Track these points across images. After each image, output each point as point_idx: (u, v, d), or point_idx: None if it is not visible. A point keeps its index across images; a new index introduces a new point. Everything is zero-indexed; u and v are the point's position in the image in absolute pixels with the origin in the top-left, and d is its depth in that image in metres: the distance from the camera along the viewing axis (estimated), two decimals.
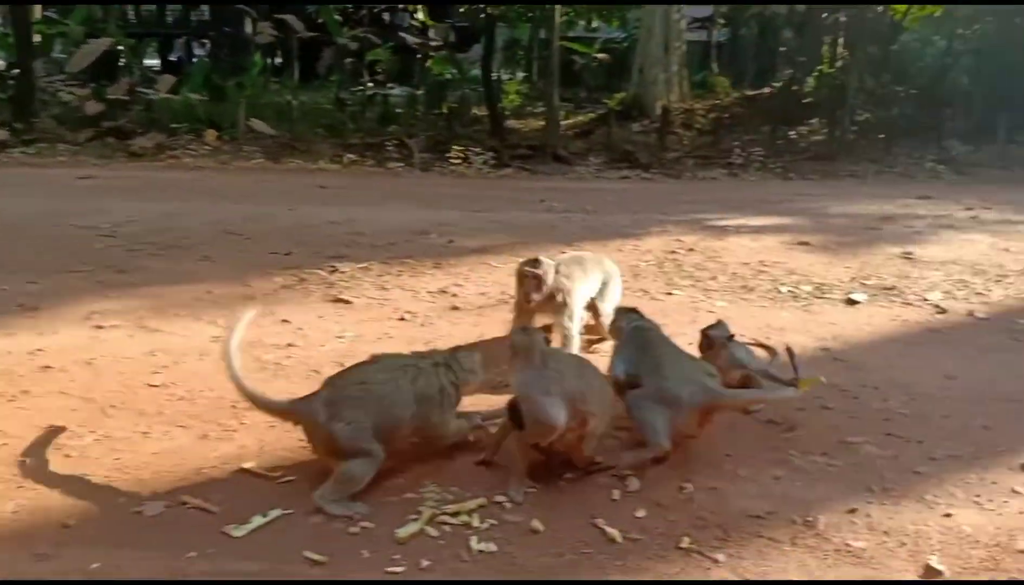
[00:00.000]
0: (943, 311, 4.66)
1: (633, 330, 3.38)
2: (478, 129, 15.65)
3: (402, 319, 4.48)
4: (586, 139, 15.84)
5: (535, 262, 3.80)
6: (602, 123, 15.54)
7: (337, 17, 16.45)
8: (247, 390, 2.93)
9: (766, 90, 20.09)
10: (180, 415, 3.42)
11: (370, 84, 17.84)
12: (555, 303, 3.84)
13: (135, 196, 8.06)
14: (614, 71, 22.97)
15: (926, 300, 4.86)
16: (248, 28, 19.80)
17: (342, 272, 5.28)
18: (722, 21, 23.85)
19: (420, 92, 19.18)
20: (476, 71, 19.51)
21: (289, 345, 4.11)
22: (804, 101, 17.23)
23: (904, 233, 6.61)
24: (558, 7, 13.92)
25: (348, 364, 3.85)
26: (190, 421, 3.37)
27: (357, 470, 2.74)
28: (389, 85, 19.47)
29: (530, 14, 23.04)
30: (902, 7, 16.54)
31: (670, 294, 4.99)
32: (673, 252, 5.96)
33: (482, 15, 17.22)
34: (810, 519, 2.64)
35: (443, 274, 5.29)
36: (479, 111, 16.80)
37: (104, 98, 15.00)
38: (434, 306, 4.69)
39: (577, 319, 3.90)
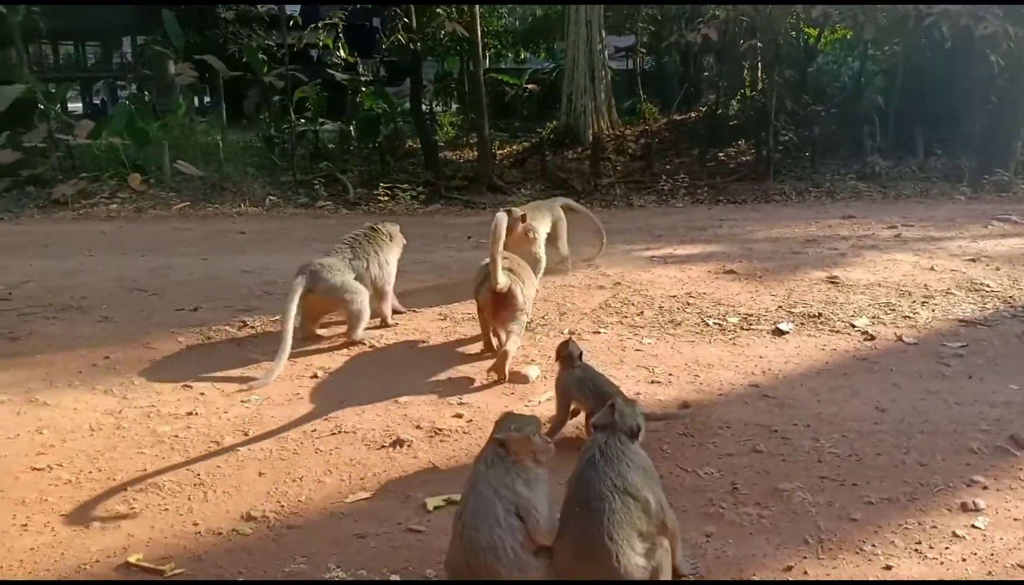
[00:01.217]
0: (871, 337, 4.59)
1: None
2: (413, 162, 15.50)
3: (315, 377, 4.22)
4: (521, 168, 15.80)
5: (512, 211, 5.35)
6: (536, 152, 15.58)
7: (262, 56, 16.12)
8: None
9: (692, 115, 20.47)
10: (64, 502, 3.12)
11: (300, 121, 17.56)
12: (528, 239, 5.63)
13: (38, 252, 7.61)
14: (545, 101, 23.16)
15: (853, 326, 4.78)
16: (171, 69, 19.33)
17: (252, 327, 4.98)
18: (643, 50, 24.33)
19: (352, 127, 18.99)
20: (408, 105, 19.48)
21: (189, 414, 3.81)
22: (730, 124, 17.57)
23: (828, 256, 6.59)
24: (481, 41, 13.89)
25: (253, 433, 3.60)
26: (75, 509, 3.07)
27: None
28: (320, 121, 19.25)
29: (457, 48, 23.08)
30: (814, 30, 17.01)
31: (597, 332, 4.82)
32: (600, 287, 5.82)
33: (408, 49, 17.15)
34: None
35: (373, 322, 5.03)
36: (414, 144, 16.68)
37: (20, 146, 14.38)
38: (351, 360, 4.43)
39: (542, 247, 5.82)
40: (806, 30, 16.87)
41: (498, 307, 4.24)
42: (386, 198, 11.20)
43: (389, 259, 5.07)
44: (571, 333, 4.78)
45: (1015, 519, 2.84)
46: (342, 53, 19.77)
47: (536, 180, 13.98)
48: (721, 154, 15.72)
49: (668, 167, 15.13)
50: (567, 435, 3.45)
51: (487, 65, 30.13)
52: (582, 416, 3.46)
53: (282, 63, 17.28)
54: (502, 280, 4.13)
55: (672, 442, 3.45)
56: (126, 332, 4.98)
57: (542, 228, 5.93)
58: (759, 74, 18.63)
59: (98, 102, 34.85)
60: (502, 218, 4.21)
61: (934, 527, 2.79)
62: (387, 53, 22.57)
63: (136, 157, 14.65)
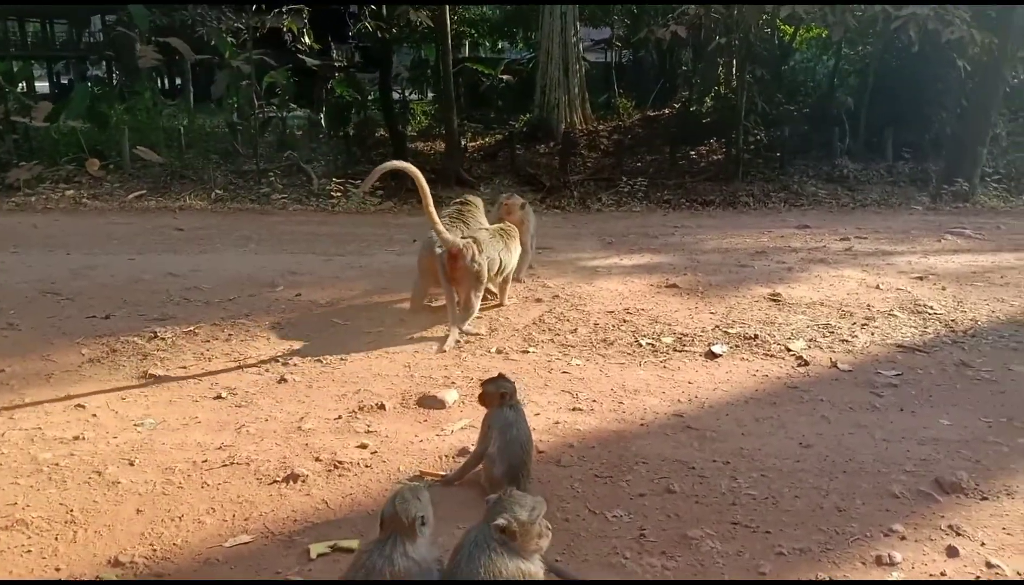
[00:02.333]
0: (805, 363, 4.43)
1: None
2: (382, 152, 15.20)
3: (219, 397, 3.97)
4: (492, 162, 15.58)
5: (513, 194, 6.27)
6: (507, 145, 15.34)
7: (230, 39, 15.73)
8: None
9: (666, 111, 20.32)
10: None
11: (269, 107, 17.19)
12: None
13: None
14: (522, 91, 22.88)
15: (789, 350, 4.63)
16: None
17: (162, 339, 4.72)
18: (619, 44, 24.17)
19: (321, 115, 18.65)
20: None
21: (75, 438, 3.56)
22: (703, 122, 17.41)
23: (775, 271, 6.44)
24: (451, 31, 13.64)
25: (139, 462, 3.36)
26: None
27: None
28: (292, 107, 18.93)
29: (431, 36, 22.79)
30: (790, 28, 16.90)
31: (526, 352, 4.62)
32: (538, 300, 5.62)
33: (379, 36, 16.88)
34: None
35: (279, 337, 4.79)
36: (385, 133, 16.40)
37: None
38: (259, 379, 4.19)
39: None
40: (782, 27, 16.74)
41: (452, 268, 4.83)
42: (339, 194, 10.92)
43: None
44: (499, 352, 4.58)
45: (930, 575, 2.69)
46: (307, 40, 19.43)
47: (505, 175, 13.80)
48: (693, 152, 15.62)
49: (639, 165, 15.02)
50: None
51: (464, 54, 29.90)
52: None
53: (249, 47, 16.98)
54: (448, 239, 4.78)
55: (584, 480, 3.26)
56: (28, 342, 4.70)
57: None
58: (733, 72, 18.55)
59: (65, 82, 34.05)
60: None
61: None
62: (360, 39, 22.31)
63: (97, 141, 14.25)
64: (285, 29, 18.23)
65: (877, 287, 5.91)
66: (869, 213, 9.48)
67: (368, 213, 9.87)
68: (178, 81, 26.67)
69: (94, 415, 3.78)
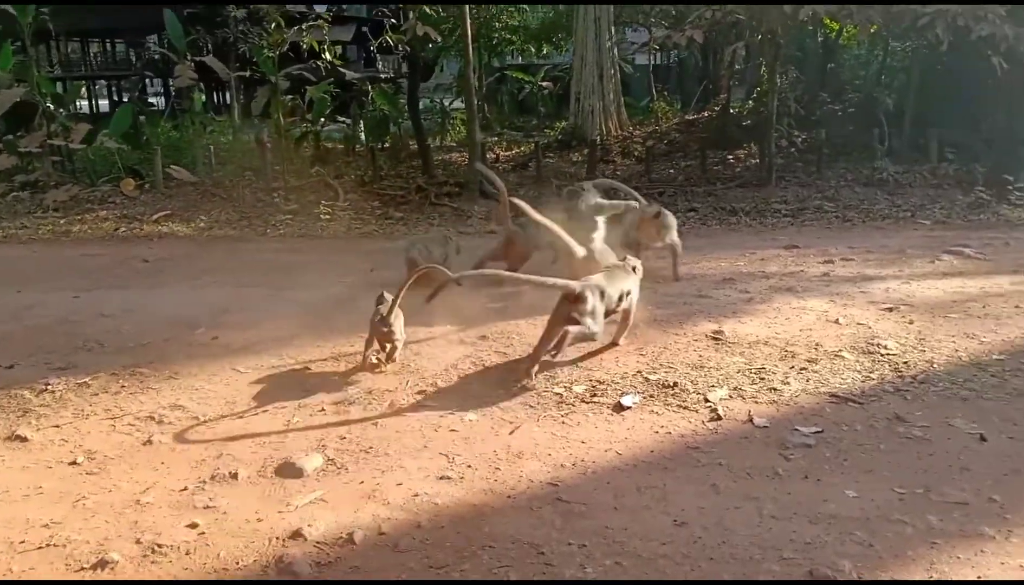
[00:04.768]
0: (718, 417, 4.03)
1: None
2: (414, 164, 15.07)
3: (74, 463, 3.77)
4: (523, 171, 15.30)
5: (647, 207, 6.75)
6: (537, 155, 15.07)
7: (271, 55, 15.91)
8: None
9: (706, 114, 19.78)
10: None
11: (305, 122, 17.32)
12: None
13: None
14: (564, 98, 22.61)
15: (707, 401, 4.23)
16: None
17: (52, 392, 4.56)
18: (656, 47, 23.69)
19: (356, 129, 18.72)
20: (426, 102, 19.20)
21: None
22: (743, 124, 16.84)
23: (732, 302, 5.96)
24: (480, 35, 13.45)
25: None
26: None
27: None
28: (323, 122, 19.10)
29: (474, 44, 22.64)
30: (835, 24, 16.20)
31: (420, 405, 4.32)
32: (462, 342, 5.31)
33: (405, 48, 16.89)
34: None
35: (172, 389, 4.59)
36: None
37: (17, 151, 14.29)
38: (126, 441, 3.98)
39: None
40: (828, 24, 16.04)
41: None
42: (327, 216, 10.79)
43: None
44: (391, 406, 4.30)
45: None
46: (327, 56, 19.56)
47: (531, 186, 13.51)
48: (730, 157, 15.10)
49: (671, 171, 14.60)
50: None
51: (512, 61, 29.76)
52: None
53: (291, 62, 17.17)
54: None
55: (416, 569, 2.95)
56: None
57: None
58: (768, 72, 17.97)
59: (122, 101, 34.99)
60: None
61: None
62: (406, 50, 22.37)
63: (134, 161, 14.50)
64: (305, 46, 18.32)
65: (836, 321, 5.44)
66: (871, 230, 8.89)
67: (347, 237, 9.70)
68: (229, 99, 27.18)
69: None
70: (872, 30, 13.01)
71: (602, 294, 4.64)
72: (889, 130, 14.17)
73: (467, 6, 13.30)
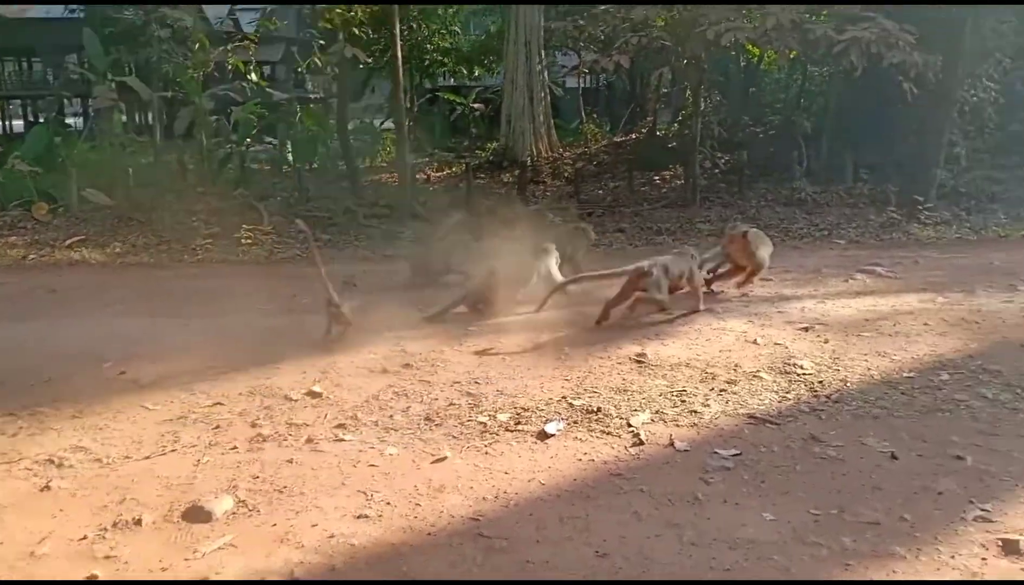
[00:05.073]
0: (640, 442, 4.03)
1: None
2: (344, 186, 14.80)
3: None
4: (454, 193, 15.22)
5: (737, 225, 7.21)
6: (467, 176, 15.04)
7: (195, 75, 15.47)
8: None
9: (634, 136, 20.17)
10: None
11: (230, 142, 16.88)
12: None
13: None
14: (496, 120, 22.70)
15: (629, 425, 4.23)
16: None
17: None
18: (585, 70, 24.02)
19: (284, 149, 18.35)
20: (356, 123, 18.95)
21: None
22: (669, 146, 17.19)
23: (653, 324, 5.97)
24: (400, 56, 13.32)
25: None
26: None
27: None
28: (267, 141, 18.70)
29: (406, 65, 22.50)
30: (757, 49, 16.65)
31: (339, 440, 4.21)
32: (385, 371, 5.21)
33: (334, 69, 16.74)
34: None
35: (74, 429, 4.36)
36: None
37: None
38: (21, 487, 3.74)
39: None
40: (750, 49, 16.52)
41: None
42: (248, 240, 10.52)
43: None
44: (309, 441, 4.17)
45: None
46: (253, 77, 19.25)
47: (461, 207, 13.40)
48: (657, 178, 15.39)
49: (600, 192, 14.77)
50: None
51: (442, 82, 29.78)
52: None
53: (216, 82, 16.71)
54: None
55: None
56: None
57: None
58: (691, 96, 18.38)
59: (38, 122, 33.71)
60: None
61: None
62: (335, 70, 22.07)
63: (48, 184, 13.84)
64: (230, 66, 17.93)
65: (755, 341, 5.53)
66: (787, 249, 9.10)
67: (273, 261, 9.47)
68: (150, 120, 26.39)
69: None
70: (791, 56, 13.51)
71: (666, 270, 5.94)
72: (807, 152, 14.62)
73: (396, 30, 13.22)
